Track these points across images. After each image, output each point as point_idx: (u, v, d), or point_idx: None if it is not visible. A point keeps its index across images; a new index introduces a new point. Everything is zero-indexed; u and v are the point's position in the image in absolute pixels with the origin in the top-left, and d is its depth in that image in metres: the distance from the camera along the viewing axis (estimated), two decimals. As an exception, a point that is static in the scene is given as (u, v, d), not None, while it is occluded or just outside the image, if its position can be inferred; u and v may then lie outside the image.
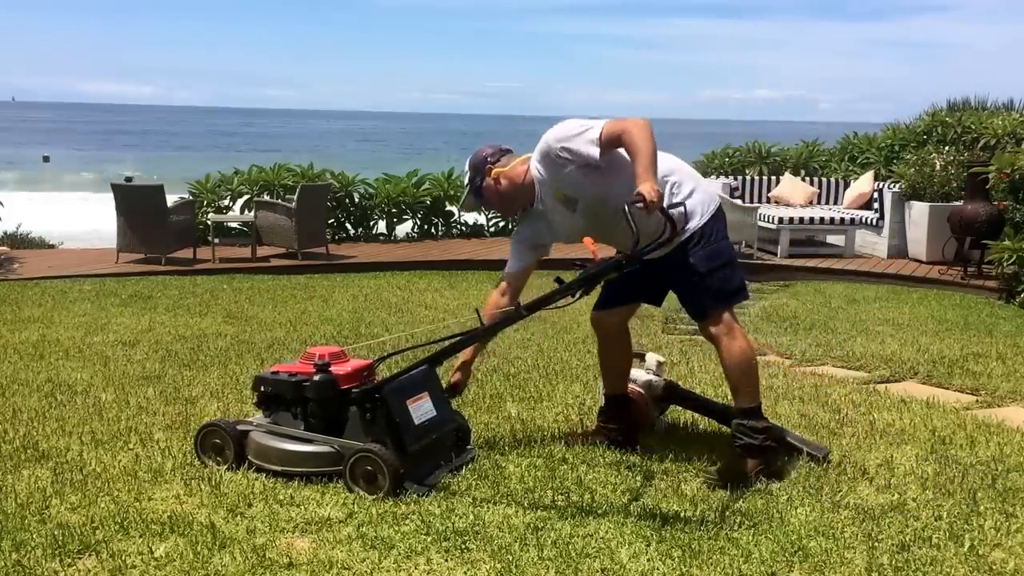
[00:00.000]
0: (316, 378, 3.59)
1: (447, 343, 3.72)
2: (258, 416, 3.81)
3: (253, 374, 4.89)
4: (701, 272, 3.57)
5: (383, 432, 3.50)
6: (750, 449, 3.60)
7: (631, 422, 4.02)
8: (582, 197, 3.57)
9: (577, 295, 3.40)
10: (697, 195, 3.61)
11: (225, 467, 3.65)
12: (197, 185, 12.07)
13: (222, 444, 3.70)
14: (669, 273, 3.66)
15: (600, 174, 3.49)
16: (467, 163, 3.78)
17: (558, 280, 3.40)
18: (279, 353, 5.90)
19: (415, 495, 3.39)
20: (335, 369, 3.63)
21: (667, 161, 3.53)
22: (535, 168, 3.63)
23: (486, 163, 3.71)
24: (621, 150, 3.41)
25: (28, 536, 3.05)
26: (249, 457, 3.64)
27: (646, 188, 3.19)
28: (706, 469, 3.68)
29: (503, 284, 3.85)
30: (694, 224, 3.55)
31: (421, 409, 3.64)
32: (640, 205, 3.17)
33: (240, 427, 3.71)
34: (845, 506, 3.37)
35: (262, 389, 3.73)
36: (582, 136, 3.46)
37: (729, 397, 3.94)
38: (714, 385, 5.02)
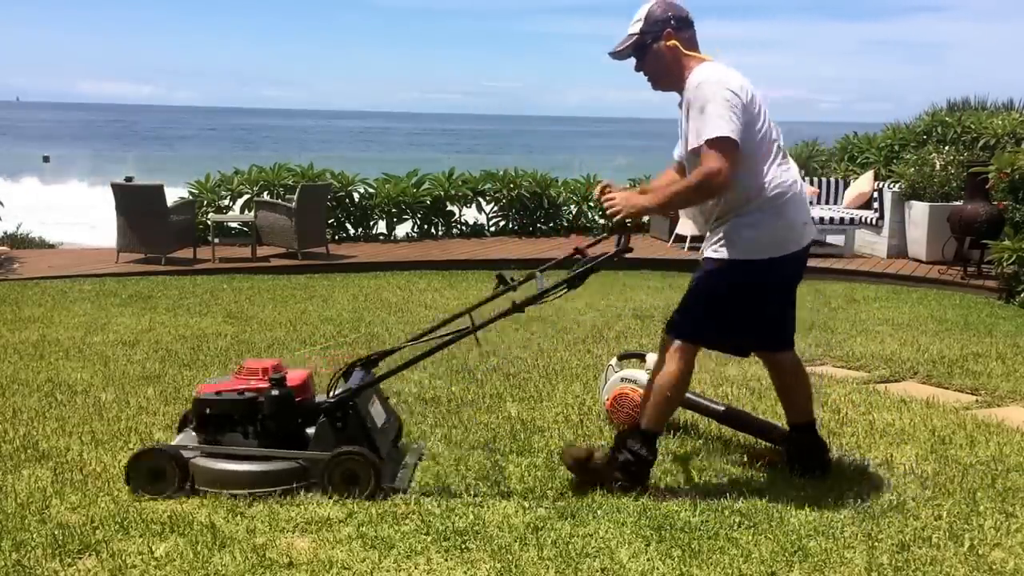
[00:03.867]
0: (275, 393, 3.48)
1: (440, 343, 3.73)
2: (183, 437, 3.61)
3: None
4: (692, 290, 3.49)
5: (356, 439, 3.44)
6: (620, 464, 3.46)
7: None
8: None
9: (566, 289, 3.48)
10: (754, 232, 3.34)
11: (165, 495, 3.38)
12: (197, 185, 12.07)
13: (163, 469, 3.41)
14: None
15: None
16: (642, 11, 3.44)
17: (499, 276, 3.56)
18: (279, 353, 5.91)
19: (400, 493, 3.41)
20: (290, 381, 3.54)
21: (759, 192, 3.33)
22: (693, 79, 3.35)
23: (668, 25, 3.40)
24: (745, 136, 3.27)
25: (28, 536, 3.05)
26: (199, 486, 3.40)
27: (629, 197, 3.35)
28: (568, 446, 3.64)
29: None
30: (729, 252, 3.37)
31: (378, 414, 3.67)
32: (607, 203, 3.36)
33: (184, 453, 3.46)
34: (845, 506, 3.37)
35: (207, 411, 3.49)
36: (705, 118, 3.25)
37: (729, 397, 3.95)
38: (714, 385, 5.02)
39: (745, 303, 3.43)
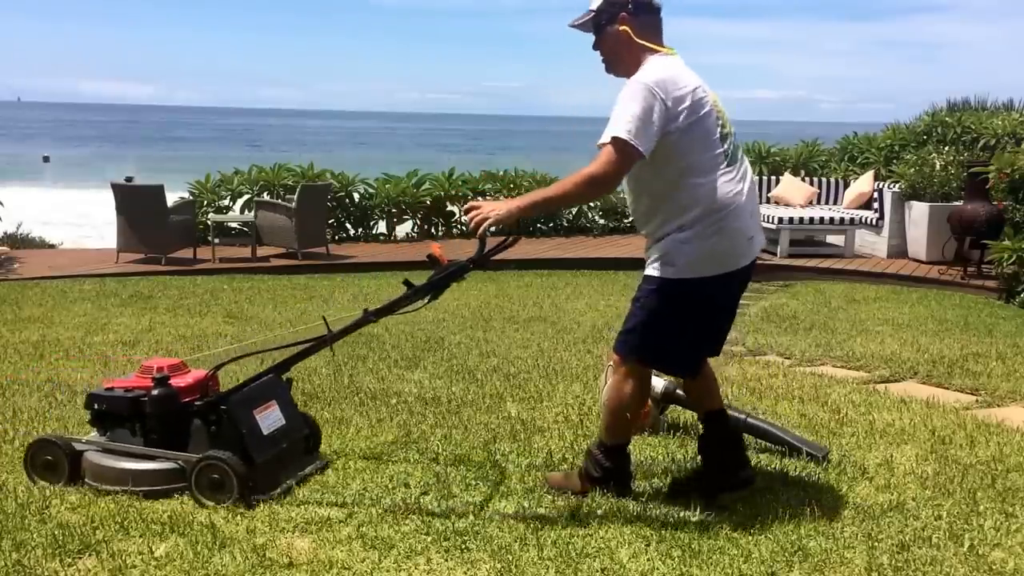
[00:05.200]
0: (155, 392, 3.46)
1: (296, 350, 3.63)
2: (92, 435, 3.64)
3: (253, 371, 4.88)
4: (634, 310, 3.32)
5: (230, 444, 3.38)
6: (588, 476, 3.44)
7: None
8: None
9: (427, 299, 3.36)
10: (694, 249, 3.16)
11: (58, 486, 3.46)
12: (197, 185, 12.07)
13: (55, 461, 3.51)
14: None
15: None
16: None
17: (406, 283, 3.37)
18: (279, 353, 5.90)
19: (265, 501, 3.32)
20: (175, 382, 3.51)
21: (699, 195, 3.15)
22: (633, 77, 3.17)
23: (624, 8, 3.22)
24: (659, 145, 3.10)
25: (28, 536, 3.05)
26: (86, 480, 3.48)
27: (495, 205, 3.17)
28: (548, 474, 3.61)
29: None
30: (667, 272, 3.19)
31: (269, 419, 3.55)
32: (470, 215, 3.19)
33: (76, 446, 3.54)
34: (845, 506, 3.37)
35: (96, 407, 3.54)
36: (617, 116, 3.09)
37: (729, 398, 3.95)
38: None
39: (688, 322, 3.25)
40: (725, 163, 3.18)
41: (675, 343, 3.28)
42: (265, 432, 3.50)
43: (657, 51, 3.23)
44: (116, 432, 3.55)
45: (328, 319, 3.55)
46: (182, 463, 3.41)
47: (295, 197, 10.42)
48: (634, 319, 3.29)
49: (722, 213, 3.14)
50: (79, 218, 18.48)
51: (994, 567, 2.94)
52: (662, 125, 3.06)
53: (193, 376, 3.59)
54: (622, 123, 3.05)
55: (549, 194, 3.22)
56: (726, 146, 3.20)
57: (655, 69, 3.15)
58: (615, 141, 3.06)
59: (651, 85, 3.07)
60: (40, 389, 4.98)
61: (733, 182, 3.19)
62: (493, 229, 3.19)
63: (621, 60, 3.27)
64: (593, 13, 3.28)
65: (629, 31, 3.22)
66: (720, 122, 3.20)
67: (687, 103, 3.10)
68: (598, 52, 3.33)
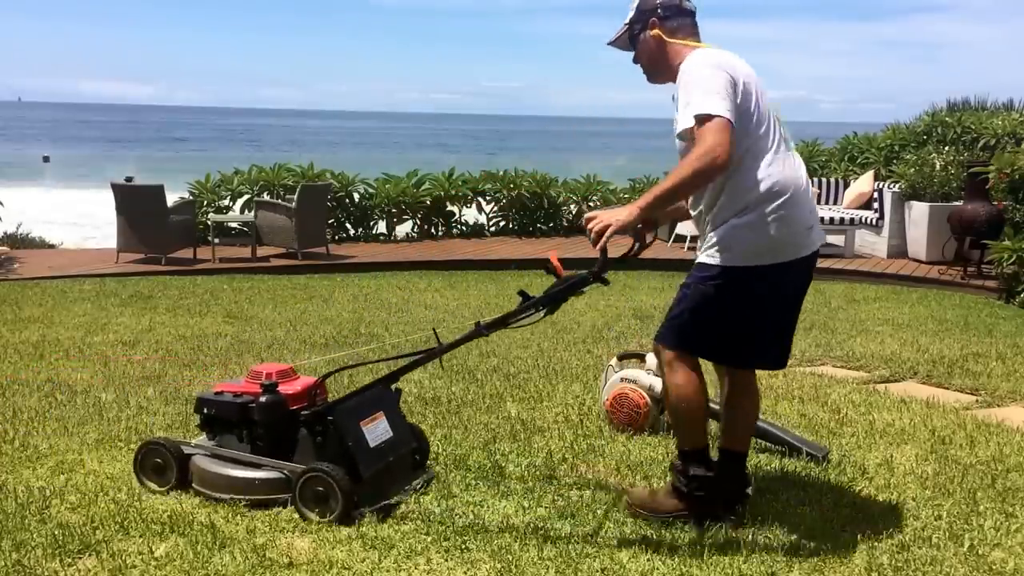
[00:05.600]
0: (263, 399, 3.37)
1: (404, 361, 3.49)
2: (201, 438, 3.58)
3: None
4: (683, 298, 3.19)
5: (335, 456, 3.27)
6: (677, 491, 3.26)
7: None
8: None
9: (543, 313, 3.22)
10: (752, 236, 3.06)
11: (165, 490, 3.43)
12: (197, 185, 12.07)
13: (164, 465, 3.47)
14: None
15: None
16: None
17: (522, 294, 3.22)
18: (279, 353, 5.91)
19: (372, 516, 3.22)
20: (283, 388, 3.42)
21: (761, 177, 3.05)
22: (682, 66, 3.11)
23: (654, 14, 3.21)
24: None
25: (28, 536, 3.05)
26: (193, 484, 3.42)
27: (615, 211, 2.97)
28: (629, 489, 3.45)
29: None
30: (723, 259, 3.09)
31: (376, 431, 3.42)
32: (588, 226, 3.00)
33: (185, 449, 3.49)
34: (845, 506, 3.37)
35: (205, 411, 3.47)
36: (691, 98, 2.98)
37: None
38: (712, 385, 5.00)
39: (741, 313, 3.12)
40: (784, 147, 3.14)
41: (722, 336, 3.17)
42: (371, 444, 3.37)
43: (696, 46, 3.20)
44: (224, 437, 3.47)
45: (438, 331, 3.44)
46: (287, 472, 3.31)
47: (295, 197, 10.42)
48: (682, 304, 3.18)
49: (782, 199, 3.04)
50: (79, 218, 18.50)
51: (994, 567, 2.94)
52: (732, 99, 2.98)
53: (302, 383, 3.48)
54: (699, 100, 2.94)
55: (667, 186, 2.97)
56: (783, 130, 3.16)
57: (702, 54, 3.12)
58: (703, 119, 2.92)
59: (710, 62, 3.04)
60: (40, 389, 4.98)
61: (792, 167, 3.13)
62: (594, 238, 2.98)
63: (659, 65, 3.25)
64: (627, 26, 3.28)
65: (660, 34, 3.22)
66: (774, 111, 3.17)
67: (743, 81, 3.03)
68: (638, 65, 3.30)
